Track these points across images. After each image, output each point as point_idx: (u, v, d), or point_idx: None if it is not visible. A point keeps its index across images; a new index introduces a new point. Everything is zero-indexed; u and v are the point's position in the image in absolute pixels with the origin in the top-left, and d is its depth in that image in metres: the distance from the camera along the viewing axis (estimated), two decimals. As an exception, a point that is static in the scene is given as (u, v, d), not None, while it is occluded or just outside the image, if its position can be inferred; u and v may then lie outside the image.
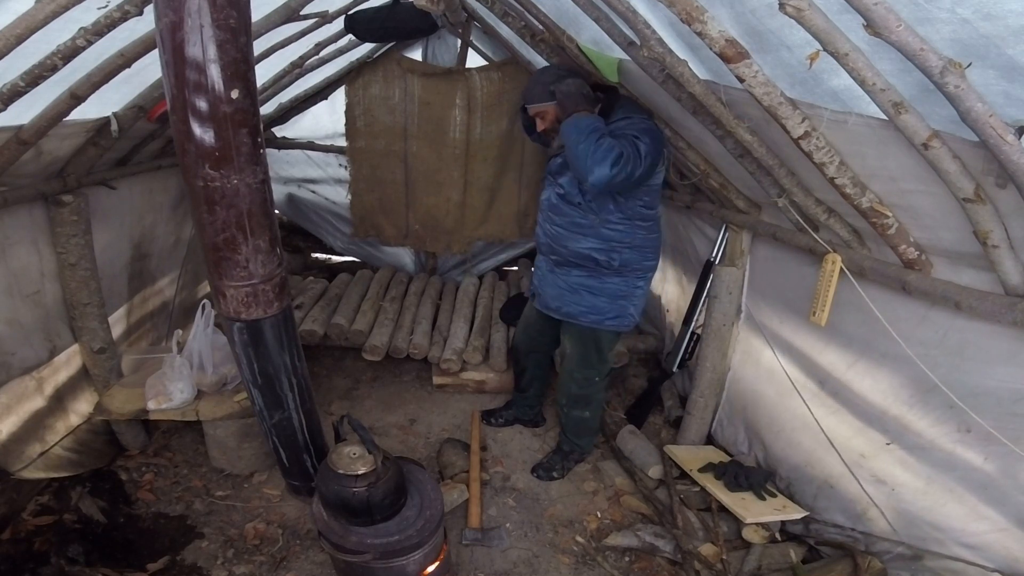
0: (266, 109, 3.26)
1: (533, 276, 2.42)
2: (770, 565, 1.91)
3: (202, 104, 1.08)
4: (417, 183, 3.67)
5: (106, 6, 1.37)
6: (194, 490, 2.25)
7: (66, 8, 1.28)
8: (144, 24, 1.44)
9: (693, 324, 2.60)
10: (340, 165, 3.76)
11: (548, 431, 2.79)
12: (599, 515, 2.24)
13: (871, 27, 0.89)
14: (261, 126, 1.22)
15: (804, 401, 2.02)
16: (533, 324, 2.48)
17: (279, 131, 3.67)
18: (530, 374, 2.67)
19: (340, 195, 3.87)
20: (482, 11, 2.71)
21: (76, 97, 1.63)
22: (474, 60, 3.43)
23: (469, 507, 2.16)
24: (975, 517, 1.50)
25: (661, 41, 1.43)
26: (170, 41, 1.04)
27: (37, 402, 2.03)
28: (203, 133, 1.11)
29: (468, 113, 3.46)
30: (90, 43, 1.41)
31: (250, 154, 1.18)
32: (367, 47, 3.19)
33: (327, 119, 3.62)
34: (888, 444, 1.69)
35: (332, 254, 4.63)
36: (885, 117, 1.09)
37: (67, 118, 1.69)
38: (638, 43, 1.49)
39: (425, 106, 3.47)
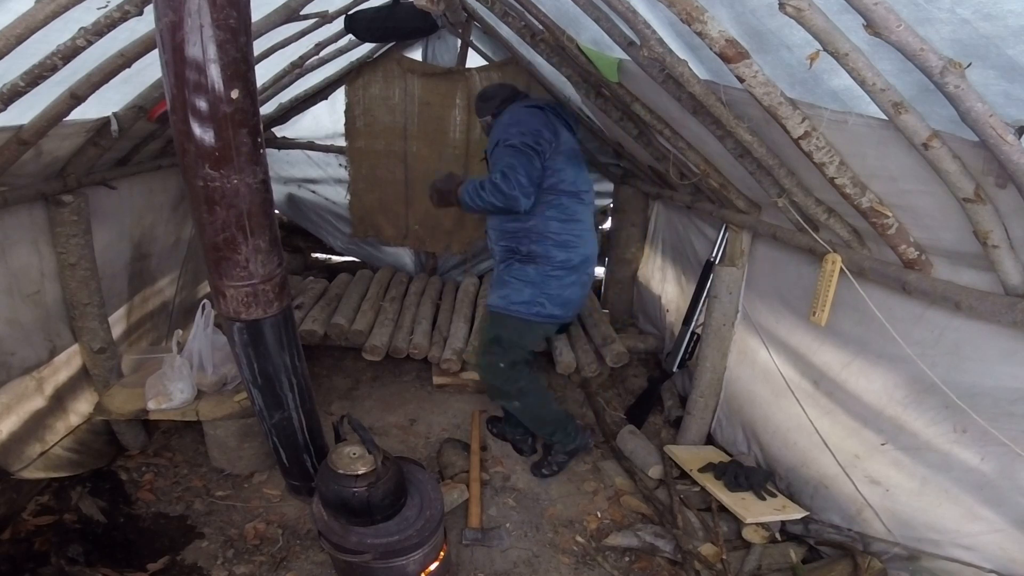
0: (266, 109, 3.26)
1: None
2: (770, 565, 1.91)
3: (202, 104, 1.08)
4: (417, 183, 3.67)
5: (106, 6, 1.37)
6: (194, 490, 2.25)
7: (66, 8, 1.28)
8: (144, 24, 1.44)
9: (693, 324, 2.60)
10: (340, 165, 3.76)
11: (548, 431, 2.79)
12: (599, 515, 2.24)
13: (871, 27, 0.89)
14: (261, 126, 1.22)
15: (798, 401, 2.02)
16: None
17: (279, 131, 3.67)
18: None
19: (340, 195, 3.88)
20: (482, 11, 2.71)
21: (76, 97, 1.63)
22: (474, 60, 3.43)
23: (469, 507, 2.16)
24: (971, 518, 1.50)
25: (661, 41, 1.43)
26: (170, 41, 1.04)
27: (37, 402, 2.03)
28: (203, 133, 1.11)
29: (468, 113, 3.46)
30: (90, 43, 1.42)
31: (250, 154, 1.18)
32: (367, 47, 3.19)
33: (327, 119, 3.62)
34: (883, 445, 1.69)
35: (332, 254, 4.64)
36: (885, 117, 1.09)
37: (67, 118, 1.69)
38: (638, 43, 1.49)
39: (425, 106, 3.48)
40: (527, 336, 2.20)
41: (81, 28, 1.39)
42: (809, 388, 1.97)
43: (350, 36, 2.76)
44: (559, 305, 2.14)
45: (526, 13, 2.08)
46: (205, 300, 2.26)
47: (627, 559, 2.03)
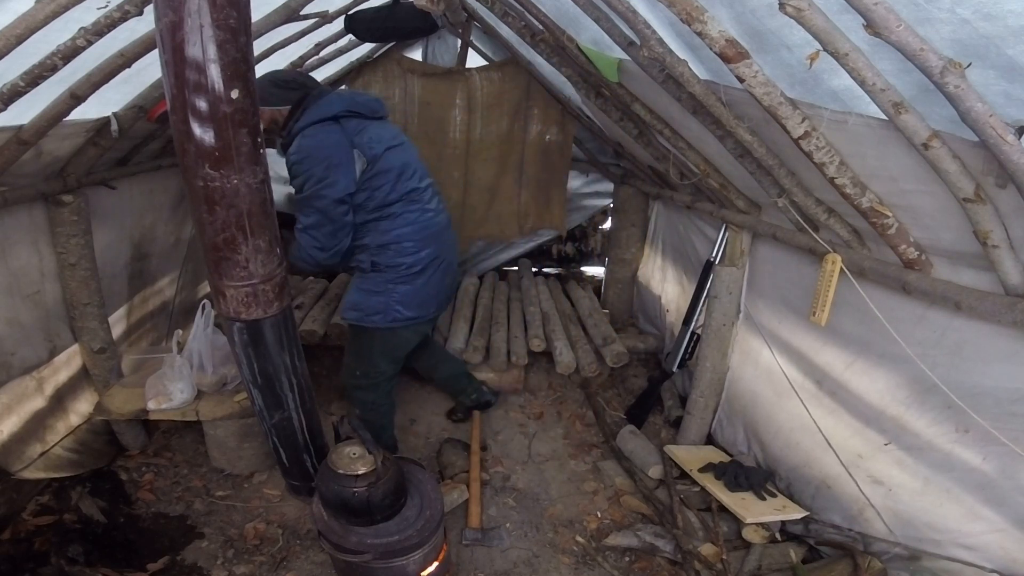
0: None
1: None
2: (770, 565, 1.91)
3: (202, 104, 1.08)
4: (417, 183, 3.67)
5: (106, 6, 1.37)
6: (194, 490, 2.25)
7: (66, 8, 1.28)
8: (144, 24, 1.44)
9: (693, 324, 2.60)
10: (340, 165, 3.75)
11: (548, 429, 2.79)
12: (599, 515, 2.24)
13: (871, 27, 0.89)
14: (261, 126, 1.22)
15: (802, 401, 2.02)
16: None
17: (279, 131, 3.66)
18: (422, 365, 2.69)
19: (340, 195, 3.86)
20: (482, 11, 2.71)
21: (76, 97, 1.63)
22: (474, 60, 3.43)
23: (469, 507, 2.16)
24: (972, 517, 1.50)
25: (661, 41, 1.43)
26: (170, 41, 1.04)
27: (37, 402, 2.03)
28: (203, 133, 1.11)
29: (468, 113, 3.46)
30: (90, 43, 1.41)
31: (250, 154, 1.18)
32: (367, 47, 3.19)
33: (327, 119, 3.61)
34: (886, 444, 1.69)
35: (332, 254, 4.62)
36: (885, 117, 1.09)
37: (67, 118, 1.69)
38: (638, 43, 1.49)
39: (425, 106, 3.48)
40: (391, 343, 2.11)
41: (81, 28, 1.39)
42: (812, 388, 1.97)
43: (350, 36, 2.76)
44: (416, 307, 2.04)
45: (526, 13, 2.08)
46: (205, 300, 2.26)
47: (627, 559, 2.03)
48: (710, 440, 2.58)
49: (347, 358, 2.21)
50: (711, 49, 1.19)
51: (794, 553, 1.92)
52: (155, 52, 1.45)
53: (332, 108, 1.84)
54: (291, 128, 1.86)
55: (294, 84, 1.89)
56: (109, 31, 1.42)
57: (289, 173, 1.85)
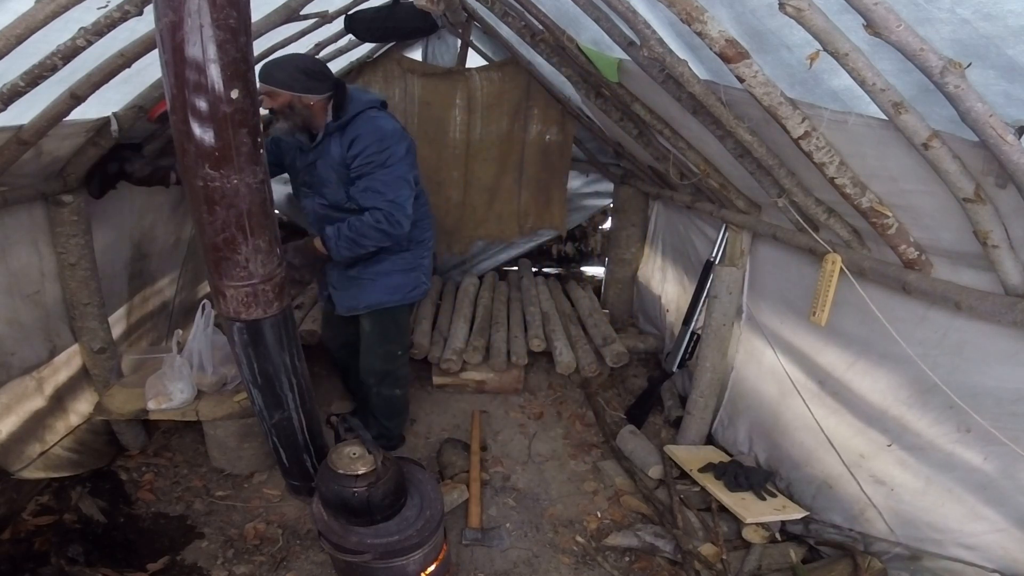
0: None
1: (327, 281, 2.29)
2: (770, 565, 1.91)
3: (202, 104, 1.08)
4: (417, 183, 3.68)
5: (106, 6, 1.37)
6: (194, 490, 2.25)
7: (66, 8, 1.27)
8: (144, 24, 1.44)
9: (693, 324, 2.60)
10: (340, 165, 3.75)
11: (548, 429, 2.79)
12: (599, 515, 2.24)
13: (871, 27, 0.89)
14: (261, 126, 1.22)
15: (804, 401, 2.02)
16: (333, 318, 2.41)
17: (279, 131, 3.66)
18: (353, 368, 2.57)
19: (340, 195, 3.86)
20: (482, 11, 2.71)
21: (76, 97, 1.63)
22: (474, 60, 3.43)
23: (469, 507, 2.16)
24: (973, 517, 1.50)
25: (661, 41, 1.43)
26: (170, 41, 1.04)
27: (37, 402, 2.03)
28: (203, 133, 1.11)
29: (468, 113, 3.46)
30: (90, 43, 1.41)
31: (250, 154, 1.18)
32: (367, 47, 3.19)
33: (327, 119, 3.61)
34: (888, 445, 1.69)
35: (332, 254, 4.62)
36: (885, 117, 1.09)
37: (67, 118, 1.69)
38: (638, 43, 1.49)
39: (425, 106, 3.48)
40: (409, 317, 2.39)
41: (81, 28, 1.38)
42: (815, 388, 1.97)
43: (350, 36, 2.76)
44: (428, 278, 2.34)
45: (526, 13, 2.08)
46: (205, 300, 2.26)
47: (627, 559, 2.03)
48: (710, 440, 2.58)
49: (383, 346, 2.28)
50: (711, 49, 1.19)
51: (794, 553, 1.92)
52: (155, 52, 1.45)
53: (375, 97, 2.04)
54: (342, 113, 1.96)
55: (321, 76, 1.95)
56: (109, 31, 1.42)
57: (356, 153, 1.91)
